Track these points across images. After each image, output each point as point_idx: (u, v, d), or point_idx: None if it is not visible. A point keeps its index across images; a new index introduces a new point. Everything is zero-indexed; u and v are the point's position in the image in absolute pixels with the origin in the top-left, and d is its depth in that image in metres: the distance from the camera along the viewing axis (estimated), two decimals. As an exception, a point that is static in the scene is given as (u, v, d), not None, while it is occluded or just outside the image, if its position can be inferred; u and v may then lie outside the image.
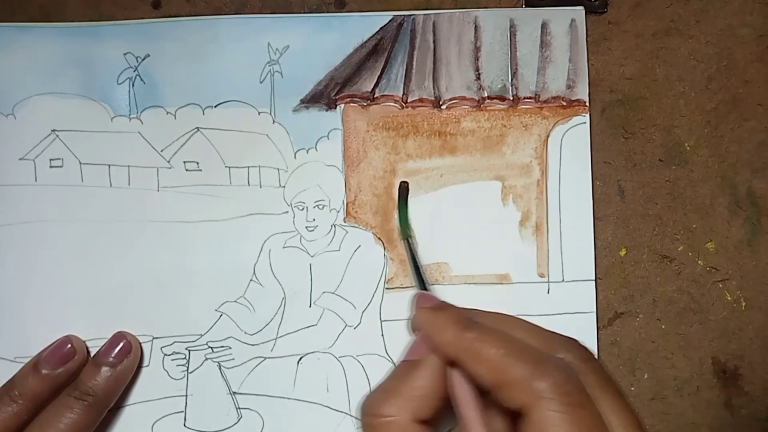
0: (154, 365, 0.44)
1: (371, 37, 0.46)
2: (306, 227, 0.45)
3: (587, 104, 0.46)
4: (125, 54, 0.46)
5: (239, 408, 0.44)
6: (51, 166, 0.45)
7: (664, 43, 0.46)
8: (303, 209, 0.45)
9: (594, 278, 0.45)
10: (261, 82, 0.46)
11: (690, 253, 0.46)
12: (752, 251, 0.46)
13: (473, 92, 0.46)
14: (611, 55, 0.46)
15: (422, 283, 0.38)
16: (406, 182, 0.45)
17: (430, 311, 0.34)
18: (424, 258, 0.45)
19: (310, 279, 0.45)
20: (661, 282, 0.46)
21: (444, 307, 0.35)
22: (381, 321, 0.45)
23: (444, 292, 0.45)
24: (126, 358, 0.42)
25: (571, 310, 0.45)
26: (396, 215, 0.44)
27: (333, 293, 0.45)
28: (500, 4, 0.46)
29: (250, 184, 0.45)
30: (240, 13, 0.47)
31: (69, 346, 0.42)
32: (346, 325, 0.45)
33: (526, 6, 0.46)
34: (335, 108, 0.46)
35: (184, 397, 0.44)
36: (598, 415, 0.30)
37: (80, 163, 0.45)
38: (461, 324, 0.32)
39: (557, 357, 0.32)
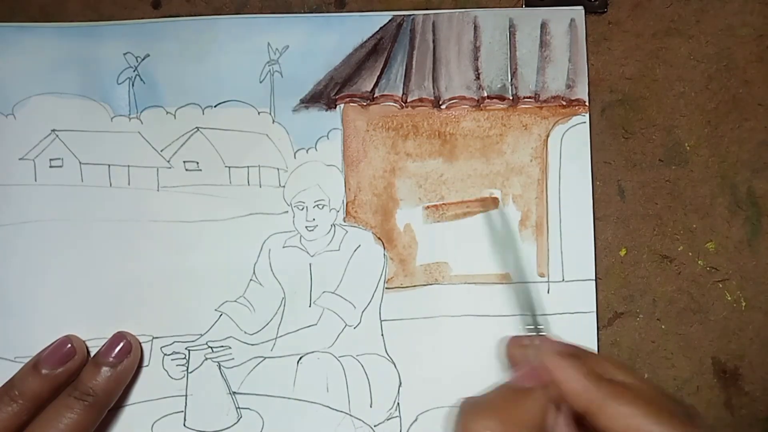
0: (154, 365, 0.45)
1: (371, 37, 0.46)
2: (306, 227, 0.45)
3: (587, 104, 0.46)
4: (125, 54, 0.46)
5: (239, 408, 0.44)
6: (51, 166, 0.45)
7: (664, 43, 0.46)
8: (303, 209, 0.45)
9: (594, 278, 0.45)
10: (261, 82, 0.46)
11: (690, 253, 0.46)
12: (752, 251, 0.46)
13: (473, 92, 0.46)
14: (611, 55, 0.46)
15: (538, 326, 0.39)
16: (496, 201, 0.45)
17: (564, 358, 0.36)
18: (425, 257, 0.45)
19: (310, 279, 0.45)
20: (661, 282, 0.46)
21: (581, 356, 0.36)
22: (381, 321, 0.45)
23: (444, 292, 0.45)
24: (126, 358, 0.42)
25: (571, 310, 0.45)
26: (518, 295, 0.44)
27: (333, 293, 0.45)
28: (500, 3, 0.46)
29: (250, 184, 0.45)
30: (240, 13, 0.47)
31: (69, 345, 0.42)
32: (346, 324, 0.45)
33: (526, 6, 0.46)
34: (335, 108, 0.46)
35: (184, 397, 0.44)
36: None
37: (80, 163, 0.45)
38: (601, 378, 0.34)
39: (696, 416, 0.34)
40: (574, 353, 0.37)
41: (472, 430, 0.33)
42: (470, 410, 0.34)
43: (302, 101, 0.46)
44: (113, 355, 0.42)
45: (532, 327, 0.39)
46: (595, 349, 0.45)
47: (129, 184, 0.45)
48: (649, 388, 0.35)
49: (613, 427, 0.33)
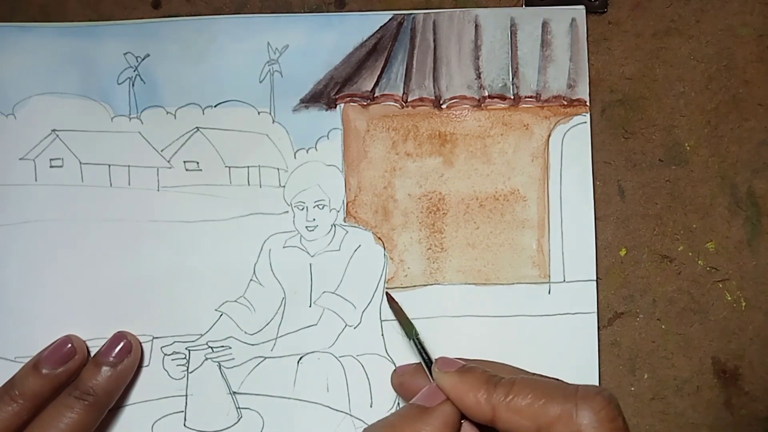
0: (154, 365, 0.44)
1: (371, 36, 0.46)
2: (306, 227, 0.45)
3: (588, 104, 0.45)
4: (125, 54, 0.46)
5: (239, 408, 0.44)
6: (51, 166, 0.45)
7: (664, 43, 0.46)
8: (303, 209, 0.45)
9: (595, 278, 0.45)
10: (261, 82, 0.46)
11: (690, 253, 0.46)
12: (752, 251, 0.46)
13: (474, 91, 0.46)
14: (611, 55, 0.46)
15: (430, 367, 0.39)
16: (388, 293, 0.45)
17: (457, 374, 0.36)
18: (425, 255, 0.45)
19: (310, 279, 0.45)
20: (661, 282, 0.46)
21: (468, 369, 0.36)
22: (381, 321, 0.45)
23: (444, 293, 0.45)
24: (126, 357, 0.42)
25: (572, 311, 0.45)
26: (397, 324, 0.44)
27: (333, 293, 0.45)
28: (500, 3, 0.46)
29: (250, 183, 0.45)
30: (240, 13, 0.47)
31: (69, 345, 0.42)
32: (346, 324, 0.45)
33: (527, 5, 0.46)
34: (335, 107, 0.46)
35: (184, 397, 0.44)
36: None
37: (80, 163, 0.45)
38: (490, 383, 0.34)
39: (591, 386, 0.33)
40: (468, 368, 0.37)
41: None
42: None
43: (302, 101, 0.46)
44: (113, 354, 0.42)
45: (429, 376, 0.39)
46: (596, 350, 0.44)
47: (129, 184, 0.45)
48: (537, 379, 0.35)
49: (519, 422, 0.33)
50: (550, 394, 0.33)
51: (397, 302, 0.44)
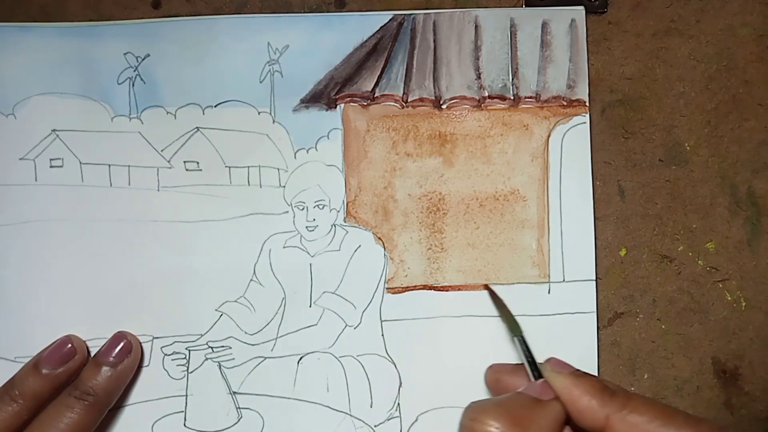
0: (154, 365, 0.44)
1: (371, 36, 0.46)
2: (306, 227, 0.45)
3: (587, 104, 0.45)
4: (125, 54, 0.46)
5: (239, 408, 0.44)
6: (51, 166, 0.45)
7: (664, 43, 0.46)
8: (303, 209, 0.45)
9: (595, 278, 0.45)
10: (261, 82, 0.46)
11: (690, 253, 0.46)
12: (752, 251, 0.46)
13: (474, 92, 0.46)
14: (611, 55, 0.46)
15: (538, 372, 0.39)
16: (490, 289, 0.45)
17: (572, 376, 0.36)
18: (426, 255, 0.45)
19: (310, 279, 0.45)
20: (661, 282, 0.46)
21: (584, 374, 0.37)
22: (381, 321, 0.45)
23: (444, 293, 0.45)
24: (126, 357, 0.42)
25: (571, 311, 0.45)
26: (502, 319, 0.44)
27: (333, 293, 0.45)
28: (500, 3, 0.46)
29: (250, 184, 0.45)
30: (240, 13, 0.47)
31: (69, 345, 0.42)
32: (346, 325, 0.45)
33: (526, 6, 0.46)
34: (335, 108, 0.46)
35: (184, 397, 0.44)
36: None
37: (80, 163, 0.45)
38: (606, 392, 0.35)
39: (708, 420, 0.34)
40: (578, 372, 0.37)
41: (476, 426, 0.33)
42: (477, 408, 0.34)
43: (302, 101, 0.46)
44: (113, 355, 0.42)
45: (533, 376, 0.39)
46: (596, 350, 0.44)
47: (129, 184, 0.45)
48: (652, 400, 0.35)
49: None
50: (670, 417, 0.33)
51: (500, 298, 0.44)
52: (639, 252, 0.46)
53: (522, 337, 0.41)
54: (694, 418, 0.34)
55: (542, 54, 0.46)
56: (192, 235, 0.45)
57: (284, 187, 0.45)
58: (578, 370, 0.38)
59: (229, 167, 0.45)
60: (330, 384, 0.44)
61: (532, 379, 0.39)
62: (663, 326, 0.46)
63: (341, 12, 0.47)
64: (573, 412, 0.35)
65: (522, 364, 0.40)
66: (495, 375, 0.42)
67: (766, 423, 0.45)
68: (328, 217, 0.45)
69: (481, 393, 0.44)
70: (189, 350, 0.45)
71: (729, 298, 0.46)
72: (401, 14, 0.46)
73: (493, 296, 0.44)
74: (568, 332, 0.44)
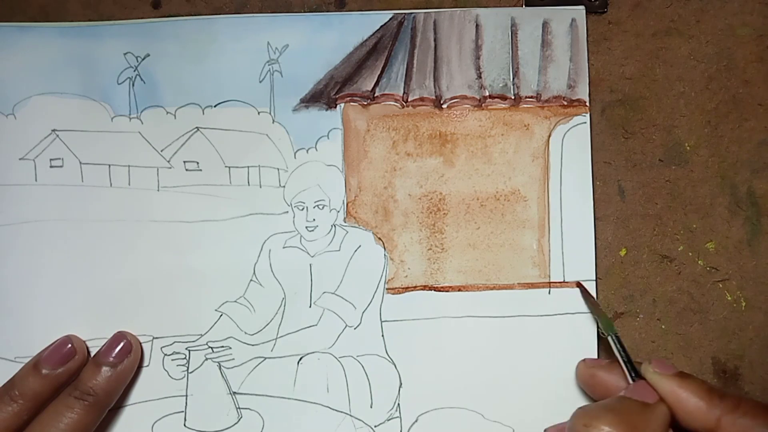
0: (154, 365, 0.44)
1: (371, 35, 0.46)
2: (306, 227, 0.45)
3: (588, 104, 0.45)
4: (125, 54, 0.45)
5: (239, 408, 0.44)
6: (51, 166, 0.45)
7: (664, 43, 0.46)
8: (303, 209, 0.45)
9: (595, 278, 0.45)
10: (261, 82, 0.46)
11: (690, 253, 0.46)
12: (752, 251, 0.46)
13: (474, 91, 0.46)
14: (611, 55, 0.46)
15: (635, 371, 0.39)
16: (582, 287, 0.45)
17: (677, 378, 0.37)
18: (426, 256, 0.45)
19: (310, 279, 0.45)
20: (661, 282, 0.46)
21: (689, 375, 0.37)
22: (381, 321, 0.45)
23: (444, 293, 0.45)
24: (126, 358, 0.42)
25: (572, 311, 0.45)
26: (595, 318, 0.44)
27: (333, 293, 0.45)
28: (501, 3, 0.46)
29: (250, 184, 0.45)
30: (240, 13, 0.47)
31: (69, 345, 0.42)
32: (346, 325, 0.45)
33: (527, 5, 0.46)
34: (335, 107, 0.46)
35: (184, 397, 0.44)
36: None
37: (80, 163, 0.45)
38: (714, 394, 0.35)
39: None
40: (682, 374, 0.37)
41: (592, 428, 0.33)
42: (590, 414, 0.35)
43: (302, 101, 0.46)
44: (113, 355, 0.42)
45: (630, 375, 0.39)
46: (596, 349, 0.44)
47: (129, 184, 0.45)
48: (764, 404, 0.35)
49: None
50: None
51: (592, 296, 0.44)
52: (639, 252, 0.46)
53: (617, 336, 0.41)
54: None
55: (543, 54, 0.46)
56: (192, 235, 0.45)
57: (284, 187, 0.45)
58: (682, 371, 0.38)
59: (229, 167, 0.45)
60: (330, 384, 0.44)
61: (630, 379, 0.39)
62: (663, 326, 0.46)
63: (341, 11, 0.47)
64: (681, 414, 0.36)
65: (614, 361, 0.40)
66: (589, 370, 0.42)
67: (766, 423, 0.45)
68: (328, 217, 0.45)
69: (482, 393, 0.44)
70: (189, 350, 0.45)
71: (729, 298, 0.46)
72: (401, 13, 0.46)
73: (585, 294, 0.44)
74: (569, 333, 0.44)
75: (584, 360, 0.43)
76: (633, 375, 0.39)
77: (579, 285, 0.45)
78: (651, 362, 0.38)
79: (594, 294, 0.45)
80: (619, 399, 0.37)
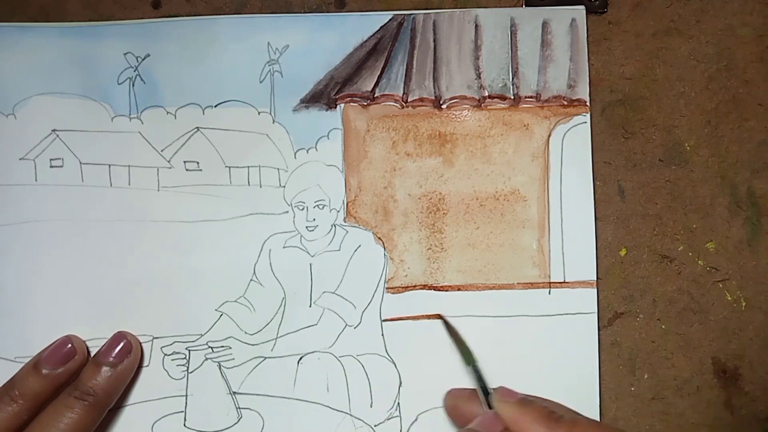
0: (154, 365, 0.44)
1: (371, 36, 0.46)
2: (306, 227, 0.45)
3: (588, 104, 0.45)
4: (125, 54, 0.46)
5: (239, 408, 0.44)
6: (51, 166, 0.45)
7: (664, 43, 0.46)
8: (303, 209, 0.45)
9: (595, 278, 0.45)
10: (261, 82, 0.46)
11: (690, 253, 0.46)
12: (752, 251, 0.46)
13: (474, 91, 0.46)
14: (611, 55, 0.46)
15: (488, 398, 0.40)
16: (444, 318, 0.45)
17: (518, 405, 0.37)
18: (426, 255, 0.45)
19: (310, 279, 0.45)
20: (661, 282, 0.46)
21: (529, 402, 0.38)
22: (381, 321, 0.45)
23: (444, 293, 0.45)
24: (126, 358, 0.42)
25: (572, 311, 0.45)
26: (455, 348, 0.44)
27: (333, 293, 0.45)
28: (500, 3, 0.46)
29: (250, 183, 0.45)
30: (240, 13, 0.47)
31: (69, 345, 0.42)
32: (347, 324, 0.45)
33: (527, 5, 0.46)
34: (335, 107, 0.46)
35: (184, 397, 0.44)
36: None
37: (80, 163, 0.45)
38: (551, 418, 0.36)
39: None
40: (525, 400, 0.38)
41: None
42: None
43: (302, 101, 0.46)
44: (113, 355, 0.42)
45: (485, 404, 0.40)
46: (596, 350, 0.44)
47: (129, 184, 0.45)
48: (597, 422, 0.37)
49: None
50: None
51: (454, 327, 0.44)
52: (639, 252, 0.46)
53: (475, 366, 0.42)
54: None
55: (542, 54, 0.46)
56: (192, 235, 0.45)
57: (284, 187, 0.45)
58: (527, 396, 0.38)
59: (229, 167, 0.45)
60: (330, 384, 0.44)
61: (486, 408, 0.39)
62: (663, 326, 0.46)
63: (341, 12, 0.47)
64: None
65: (475, 391, 0.41)
66: (453, 401, 0.42)
67: (766, 423, 0.45)
68: (328, 217, 0.45)
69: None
70: (189, 350, 0.45)
71: (729, 298, 0.46)
72: (401, 14, 0.46)
73: (447, 325, 0.44)
74: (569, 333, 0.44)
75: (450, 390, 0.43)
76: (489, 405, 0.39)
77: (439, 316, 0.45)
78: (497, 391, 0.39)
79: (594, 294, 0.45)
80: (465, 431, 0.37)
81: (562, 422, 0.35)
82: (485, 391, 0.40)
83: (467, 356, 0.43)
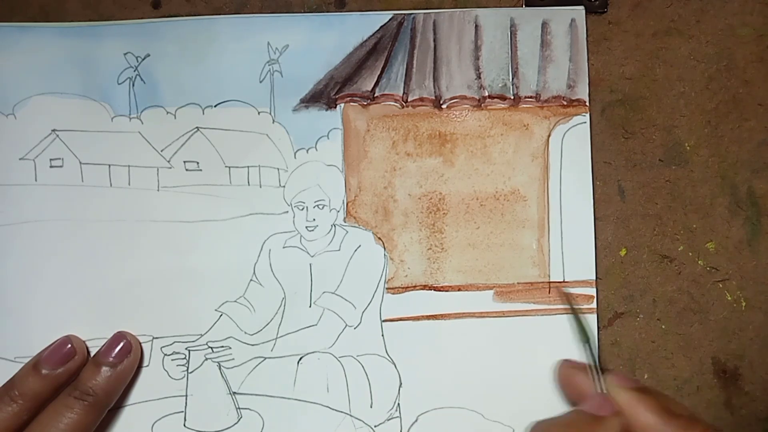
0: (154, 365, 0.44)
1: (371, 36, 0.46)
2: (306, 227, 0.45)
3: (587, 104, 0.45)
4: (125, 54, 0.46)
5: (239, 408, 0.44)
6: (51, 166, 0.45)
7: (664, 43, 0.46)
8: (303, 209, 0.45)
9: (595, 278, 0.45)
10: (261, 82, 0.46)
11: (690, 253, 0.46)
12: (752, 251, 0.46)
13: (474, 91, 0.46)
14: (611, 55, 0.46)
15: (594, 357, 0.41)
16: (566, 293, 0.45)
17: (635, 392, 0.38)
18: (426, 255, 0.45)
19: (310, 279, 0.45)
20: (661, 282, 0.46)
21: (646, 390, 0.38)
22: (381, 321, 0.45)
23: (444, 293, 0.45)
24: (126, 358, 0.42)
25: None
26: (574, 325, 0.44)
27: (333, 293, 0.45)
28: (500, 3, 0.46)
29: (250, 183, 0.45)
30: (240, 13, 0.47)
31: (69, 346, 0.42)
32: (346, 325, 0.45)
33: (527, 5, 0.46)
34: (335, 107, 0.46)
35: (184, 397, 0.44)
36: None
37: (80, 163, 0.45)
38: (668, 411, 0.36)
39: None
40: (641, 388, 0.38)
41: None
42: (543, 428, 0.36)
43: (302, 101, 0.46)
44: (113, 355, 0.42)
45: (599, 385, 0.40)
46: (596, 349, 0.44)
47: (129, 184, 0.45)
48: (716, 427, 0.37)
49: None
50: None
51: (574, 303, 0.44)
52: (639, 252, 0.46)
53: (590, 345, 0.42)
54: None
55: (542, 54, 0.46)
56: (192, 235, 0.45)
57: (284, 187, 0.45)
58: (643, 385, 0.39)
59: (229, 167, 0.45)
60: (330, 384, 0.44)
61: (599, 388, 0.39)
62: (663, 326, 0.46)
63: (341, 12, 0.47)
64: (635, 427, 0.36)
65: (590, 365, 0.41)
66: (567, 371, 0.43)
67: (766, 423, 0.45)
68: (328, 217, 0.45)
69: (481, 393, 0.44)
70: (189, 350, 0.45)
71: (729, 298, 0.46)
72: (401, 14, 0.46)
73: (568, 299, 0.44)
74: (569, 333, 0.44)
75: (563, 361, 0.43)
76: (601, 385, 0.40)
77: (562, 291, 0.45)
78: (612, 375, 0.40)
79: (595, 295, 0.45)
80: (575, 412, 0.38)
81: (680, 418, 0.36)
82: (598, 371, 0.40)
83: (583, 333, 0.43)
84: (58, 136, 0.45)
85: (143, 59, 0.46)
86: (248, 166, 0.45)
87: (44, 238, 0.45)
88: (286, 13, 0.46)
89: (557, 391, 0.44)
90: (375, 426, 0.44)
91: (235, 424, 0.44)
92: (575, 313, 0.44)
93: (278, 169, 0.45)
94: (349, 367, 0.45)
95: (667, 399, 0.39)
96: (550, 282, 0.45)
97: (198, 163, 0.45)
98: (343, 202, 0.45)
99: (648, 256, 0.46)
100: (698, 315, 0.46)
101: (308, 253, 0.45)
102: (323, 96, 0.46)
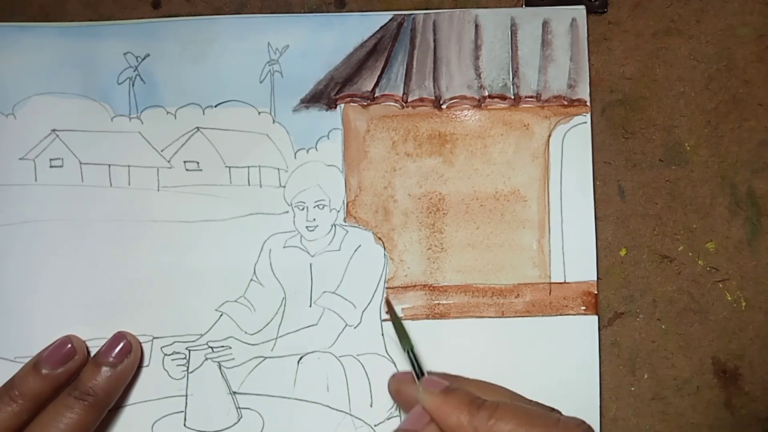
0: (154, 365, 0.44)
1: (371, 36, 0.46)
2: (306, 227, 0.45)
3: (588, 104, 0.45)
4: (125, 54, 0.46)
5: (239, 408, 0.44)
6: (51, 166, 0.45)
7: (664, 43, 0.46)
8: (303, 209, 0.45)
9: (595, 278, 0.45)
10: (261, 82, 0.46)
11: (690, 253, 0.46)
12: (752, 251, 0.46)
13: (474, 91, 0.46)
14: (611, 55, 0.46)
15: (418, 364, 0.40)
16: (388, 300, 0.44)
17: (441, 395, 0.36)
18: (426, 255, 0.45)
19: (311, 279, 0.45)
20: (661, 282, 0.46)
21: (452, 390, 0.37)
22: (381, 321, 0.45)
23: (444, 294, 0.45)
24: (126, 358, 0.42)
25: (572, 311, 0.45)
26: (394, 331, 0.43)
27: (333, 293, 0.45)
28: (500, 3, 0.46)
29: (250, 184, 0.45)
30: (240, 13, 0.47)
31: (69, 346, 0.42)
32: (347, 324, 0.45)
33: (527, 5, 0.46)
34: (335, 108, 0.46)
35: (184, 397, 0.44)
36: None
37: (80, 163, 0.45)
38: (473, 405, 0.35)
39: (571, 418, 0.35)
40: (451, 389, 0.37)
41: None
42: None
43: (302, 101, 0.46)
44: (113, 355, 0.42)
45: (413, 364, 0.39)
46: (596, 350, 0.44)
47: (129, 184, 0.45)
48: (519, 406, 0.35)
49: None
50: (532, 422, 0.34)
51: (395, 310, 0.44)
52: (639, 252, 0.46)
53: (411, 352, 0.41)
54: (554, 419, 0.34)
55: (543, 53, 0.46)
56: (192, 235, 0.45)
57: (284, 187, 0.45)
58: (451, 385, 0.37)
59: (229, 167, 0.45)
60: (330, 384, 0.44)
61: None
62: (663, 326, 0.46)
63: (341, 12, 0.47)
64: (446, 431, 0.35)
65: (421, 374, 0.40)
66: (396, 385, 0.41)
67: (766, 423, 0.45)
68: (328, 217, 0.45)
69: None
70: (189, 350, 0.45)
71: (729, 298, 0.46)
72: (401, 14, 0.46)
73: (389, 308, 0.44)
74: (569, 333, 0.44)
75: (394, 374, 0.42)
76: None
77: (387, 300, 0.44)
78: (422, 381, 0.38)
79: (594, 293, 0.45)
80: None
81: (484, 407, 0.35)
82: (420, 378, 0.39)
83: (404, 341, 0.41)
84: (57, 136, 0.45)
85: (143, 59, 0.46)
86: (248, 166, 0.45)
87: (44, 238, 0.45)
88: (286, 14, 0.46)
89: (557, 391, 0.44)
90: (375, 425, 0.44)
91: (235, 423, 0.44)
92: (396, 320, 0.43)
93: (278, 169, 0.45)
94: (350, 367, 0.45)
95: (480, 386, 0.38)
96: (550, 282, 0.45)
97: (198, 163, 0.45)
98: (343, 202, 0.45)
99: (648, 256, 0.46)
100: (698, 315, 0.46)
101: (308, 252, 0.45)
102: (323, 96, 0.46)
